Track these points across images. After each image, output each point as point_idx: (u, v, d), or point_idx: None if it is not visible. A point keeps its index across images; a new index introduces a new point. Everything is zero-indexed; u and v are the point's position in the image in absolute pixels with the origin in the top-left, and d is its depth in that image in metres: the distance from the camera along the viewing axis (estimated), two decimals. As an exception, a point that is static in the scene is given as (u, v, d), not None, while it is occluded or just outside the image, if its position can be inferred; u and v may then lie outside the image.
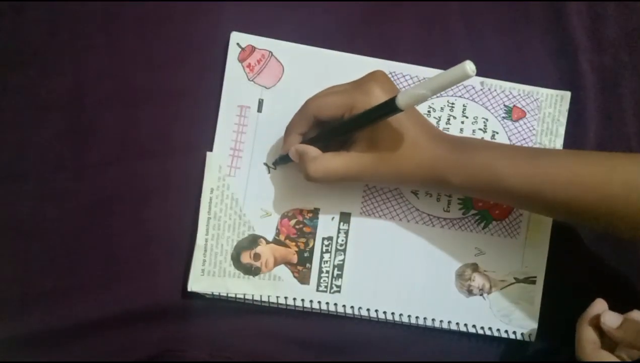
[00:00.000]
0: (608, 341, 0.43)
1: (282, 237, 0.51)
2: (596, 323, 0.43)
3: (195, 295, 0.50)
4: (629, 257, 0.53)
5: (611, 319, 0.42)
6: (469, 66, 0.35)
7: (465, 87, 0.52)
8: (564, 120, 0.52)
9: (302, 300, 0.50)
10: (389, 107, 0.40)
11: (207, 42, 0.51)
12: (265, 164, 0.51)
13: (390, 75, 0.48)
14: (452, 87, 0.51)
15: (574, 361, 0.43)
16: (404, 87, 0.51)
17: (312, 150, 0.45)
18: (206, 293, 0.50)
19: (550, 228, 0.52)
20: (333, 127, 0.45)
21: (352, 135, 0.44)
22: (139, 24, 0.51)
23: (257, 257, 0.50)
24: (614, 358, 0.42)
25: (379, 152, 0.44)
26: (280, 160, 0.50)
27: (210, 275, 0.50)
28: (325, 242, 0.51)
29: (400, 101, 0.39)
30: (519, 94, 0.52)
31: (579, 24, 0.54)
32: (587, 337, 0.43)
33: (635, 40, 0.54)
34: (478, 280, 0.51)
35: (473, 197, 0.51)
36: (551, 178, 0.42)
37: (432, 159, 0.44)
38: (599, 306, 0.44)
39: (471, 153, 0.44)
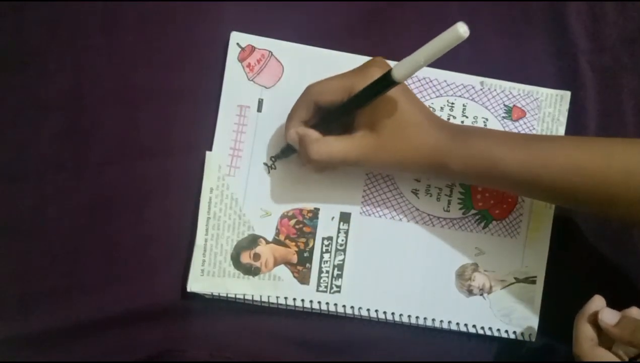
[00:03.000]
0: (606, 337, 0.43)
1: (282, 237, 0.51)
2: (594, 320, 0.43)
3: (195, 295, 0.50)
4: (629, 257, 0.53)
5: (609, 316, 0.42)
6: (461, 28, 0.35)
7: (465, 87, 0.52)
8: (563, 120, 0.52)
9: (302, 300, 0.50)
10: (386, 81, 0.40)
11: (207, 42, 0.51)
12: (265, 164, 0.51)
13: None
14: (452, 86, 0.52)
15: (574, 360, 0.43)
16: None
17: (314, 133, 0.45)
18: (206, 294, 0.50)
19: (550, 228, 0.52)
20: (334, 109, 0.45)
21: (353, 120, 0.45)
22: (139, 24, 0.51)
23: (256, 257, 0.50)
24: (611, 356, 0.42)
25: (380, 137, 0.44)
26: (282, 154, 0.50)
27: (210, 275, 0.50)
28: (325, 242, 0.51)
29: (396, 73, 0.39)
30: (519, 94, 0.52)
31: (579, 24, 0.54)
32: (585, 333, 0.43)
33: (635, 40, 0.54)
34: (478, 280, 0.51)
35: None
36: (549, 164, 0.42)
37: (433, 145, 0.44)
38: (597, 302, 0.44)
39: (470, 140, 0.44)
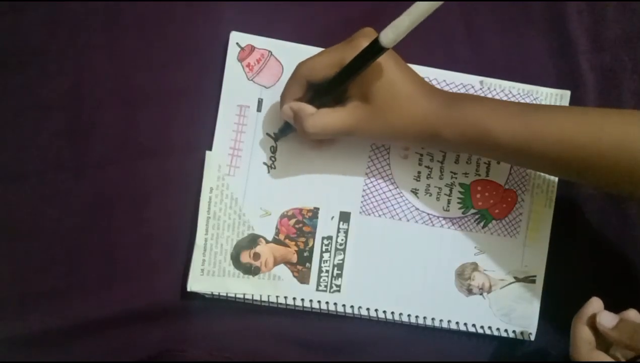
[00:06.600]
0: (603, 340, 0.42)
1: (281, 237, 0.51)
2: (592, 323, 0.42)
3: (195, 295, 0.50)
4: (629, 257, 0.53)
5: (607, 319, 0.42)
6: None
7: (464, 86, 0.52)
8: (563, 119, 0.52)
9: (302, 299, 0.50)
10: (374, 48, 0.40)
11: (207, 42, 0.51)
12: (265, 163, 0.51)
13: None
14: (452, 86, 0.52)
15: (572, 360, 0.43)
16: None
17: (308, 107, 0.45)
18: (206, 293, 0.50)
19: (550, 227, 0.52)
20: (326, 83, 0.44)
21: (346, 91, 0.45)
22: (139, 24, 0.51)
23: (256, 256, 0.50)
24: (609, 359, 0.41)
25: (372, 108, 0.44)
26: (280, 133, 0.50)
27: (210, 275, 0.50)
28: (325, 242, 0.51)
29: (383, 38, 0.39)
30: (519, 93, 0.52)
31: (579, 24, 0.54)
32: (583, 336, 0.42)
33: (635, 40, 0.54)
34: (478, 279, 0.51)
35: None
36: (541, 135, 0.42)
37: (425, 113, 0.44)
38: (595, 305, 0.43)
39: (463, 107, 0.44)
